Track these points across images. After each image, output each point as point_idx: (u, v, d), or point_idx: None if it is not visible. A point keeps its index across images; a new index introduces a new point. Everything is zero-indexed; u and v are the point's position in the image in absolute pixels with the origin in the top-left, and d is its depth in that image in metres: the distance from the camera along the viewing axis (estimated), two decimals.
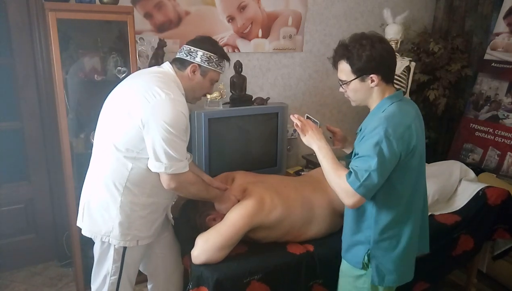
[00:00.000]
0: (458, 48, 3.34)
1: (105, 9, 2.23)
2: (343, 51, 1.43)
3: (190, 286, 1.65)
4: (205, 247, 1.65)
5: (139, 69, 2.40)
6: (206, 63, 1.61)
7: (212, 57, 1.62)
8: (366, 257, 1.48)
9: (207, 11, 2.80)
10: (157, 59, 2.48)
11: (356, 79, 1.43)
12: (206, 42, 1.65)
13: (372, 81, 1.41)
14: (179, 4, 2.70)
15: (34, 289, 2.59)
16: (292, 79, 3.24)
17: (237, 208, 1.72)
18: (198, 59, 1.61)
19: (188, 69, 1.61)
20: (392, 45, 2.77)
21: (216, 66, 1.64)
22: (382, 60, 1.39)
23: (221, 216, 1.76)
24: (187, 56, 1.62)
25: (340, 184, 1.39)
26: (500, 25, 3.25)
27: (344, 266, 1.60)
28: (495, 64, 3.26)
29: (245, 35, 2.97)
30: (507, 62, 3.18)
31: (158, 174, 1.53)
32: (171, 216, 1.88)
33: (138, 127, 1.48)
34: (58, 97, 2.17)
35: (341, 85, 1.49)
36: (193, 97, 1.69)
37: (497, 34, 3.27)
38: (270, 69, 3.14)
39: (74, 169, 2.26)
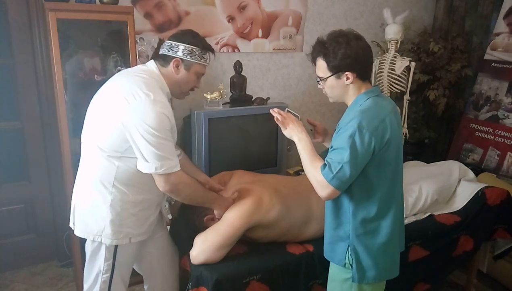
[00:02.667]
0: (458, 48, 3.33)
1: (105, 9, 2.24)
2: (320, 48, 1.45)
3: (190, 286, 1.65)
4: (204, 247, 1.65)
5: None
6: (188, 56, 1.58)
7: (194, 50, 1.58)
8: (348, 255, 1.47)
9: (207, 11, 2.80)
10: None
11: (332, 76, 1.45)
12: (187, 36, 1.61)
13: (348, 78, 1.43)
14: (179, 4, 2.70)
15: (34, 289, 2.59)
16: (292, 79, 3.24)
17: (236, 207, 1.72)
18: (180, 53, 1.58)
19: (171, 64, 1.58)
20: (392, 45, 2.81)
21: (199, 58, 1.60)
22: (357, 58, 1.40)
23: (220, 216, 1.75)
24: (169, 51, 1.59)
25: (315, 175, 1.41)
26: (500, 25, 3.25)
27: (332, 269, 1.59)
28: (495, 64, 3.26)
29: (245, 35, 2.97)
30: (507, 62, 3.18)
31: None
32: (168, 214, 1.87)
33: (120, 128, 1.47)
34: (58, 97, 2.17)
35: (318, 82, 1.52)
36: (180, 92, 1.66)
37: (497, 34, 3.26)
38: (270, 69, 3.14)
39: (74, 169, 2.25)
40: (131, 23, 2.23)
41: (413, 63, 2.78)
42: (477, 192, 2.25)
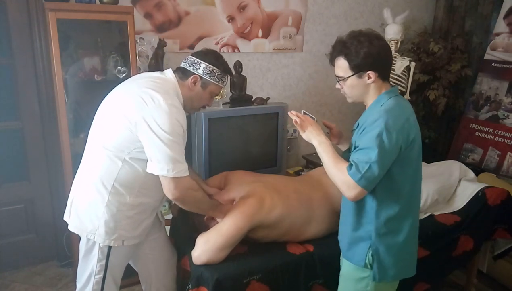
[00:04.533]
0: (458, 48, 3.34)
1: (105, 9, 2.24)
2: (341, 47, 1.43)
3: (190, 286, 1.65)
4: (206, 247, 1.65)
5: (139, 69, 2.41)
6: (207, 76, 1.63)
7: (214, 70, 1.63)
8: (369, 255, 1.46)
9: (207, 11, 2.80)
10: (157, 59, 2.48)
11: (353, 76, 1.43)
12: (210, 56, 1.66)
13: (369, 78, 1.42)
14: (179, 4, 2.70)
15: (34, 289, 2.59)
16: (292, 79, 3.24)
17: (238, 208, 1.72)
18: (200, 71, 1.62)
19: (190, 79, 1.62)
20: (392, 45, 2.81)
21: (217, 80, 1.65)
22: (379, 57, 1.40)
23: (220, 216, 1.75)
24: (190, 66, 1.63)
25: (340, 177, 1.39)
26: (500, 25, 3.25)
27: (345, 268, 1.57)
28: (495, 64, 3.26)
29: (245, 35, 2.97)
30: (507, 62, 3.18)
31: (148, 175, 1.51)
32: (163, 217, 1.87)
33: (131, 129, 1.48)
34: (58, 97, 2.18)
35: (338, 81, 1.49)
36: (191, 107, 1.69)
37: (497, 34, 3.27)
38: (270, 69, 3.14)
39: (74, 169, 2.25)
40: (131, 23, 2.23)
41: (413, 63, 2.78)
42: (477, 192, 2.25)
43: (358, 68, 1.41)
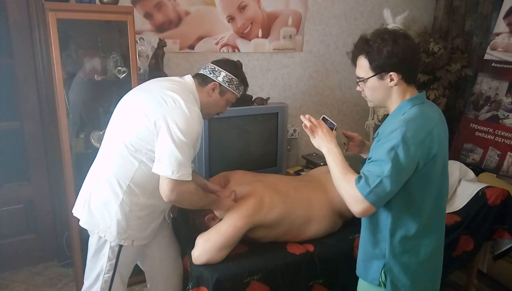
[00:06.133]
0: (458, 48, 3.34)
1: (105, 9, 2.24)
2: (363, 45, 1.32)
3: (190, 286, 1.65)
4: (206, 247, 1.65)
5: (139, 69, 2.41)
6: (227, 84, 1.69)
7: (233, 79, 1.70)
8: (382, 273, 1.36)
9: (207, 11, 2.80)
10: (157, 59, 2.48)
11: (374, 77, 1.32)
12: (230, 65, 1.73)
13: (392, 80, 1.31)
14: (179, 4, 2.70)
15: (34, 289, 2.59)
16: (292, 79, 3.24)
17: (237, 208, 1.72)
18: (220, 79, 1.68)
19: (209, 86, 1.68)
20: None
21: (235, 88, 1.72)
22: (404, 58, 1.28)
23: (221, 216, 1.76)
24: (210, 73, 1.69)
25: (348, 189, 1.28)
26: (500, 25, 3.25)
27: (361, 286, 1.48)
28: (495, 64, 3.26)
29: (245, 35, 2.97)
30: (507, 62, 3.18)
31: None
32: (170, 217, 1.88)
33: (150, 128, 1.50)
34: (58, 97, 2.17)
35: (357, 82, 1.39)
36: (207, 113, 1.72)
37: (497, 34, 3.27)
38: (270, 69, 3.14)
39: (74, 169, 2.26)
40: (131, 23, 2.23)
41: None
42: (477, 192, 2.25)
43: (379, 69, 1.30)
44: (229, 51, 2.93)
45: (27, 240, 2.79)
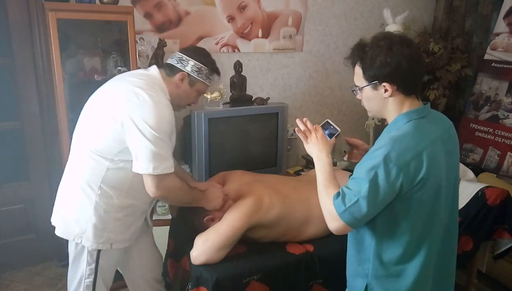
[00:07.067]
0: (458, 48, 3.34)
1: (105, 9, 2.24)
2: (359, 52, 1.24)
3: (190, 286, 1.65)
4: (204, 247, 1.65)
5: (139, 69, 2.41)
6: (195, 73, 1.61)
7: (202, 68, 1.62)
8: None
9: (207, 11, 2.80)
10: (157, 59, 2.48)
11: (368, 86, 1.24)
12: (199, 53, 1.64)
13: (386, 90, 1.21)
14: (179, 4, 2.70)
15: (34, 289, 2.59)
16: (292, 79, 3.24)
17: (236, 207, 1.72)
18: (188, 68, 1.60)
19: (177, 76, 1.60)
20: None
21: (205, 78, 1.64)
22: (398, 68, 1.18)
23: (220, 216, 1.75)
24: (177, 63, 1.61)
25: (327, 203, 1.22)
26: (500, 25, 3.25)
27: None
28: (495, 64, 3.26)
29: (245, 35, 2.97)
30: (507, 62, 3.18)
31: (136, 176, 1.49)
32: (151, 221, 1.85)
33: (118, 129, 1.46)
34: (58, 97, 2.18)
35: (352, 91, 1.33)
36: (177, 104, 1.66)
37: (497, 34, 3.27)
38: (270, 69, 3.14)
39: None
40: (131, 23, 2.23)
41: None
42: (477, 192, 2.25)
43: (372, 78, 1.22)
44: (229, 51, 2.93)
45: (27, 240, 2.79)
